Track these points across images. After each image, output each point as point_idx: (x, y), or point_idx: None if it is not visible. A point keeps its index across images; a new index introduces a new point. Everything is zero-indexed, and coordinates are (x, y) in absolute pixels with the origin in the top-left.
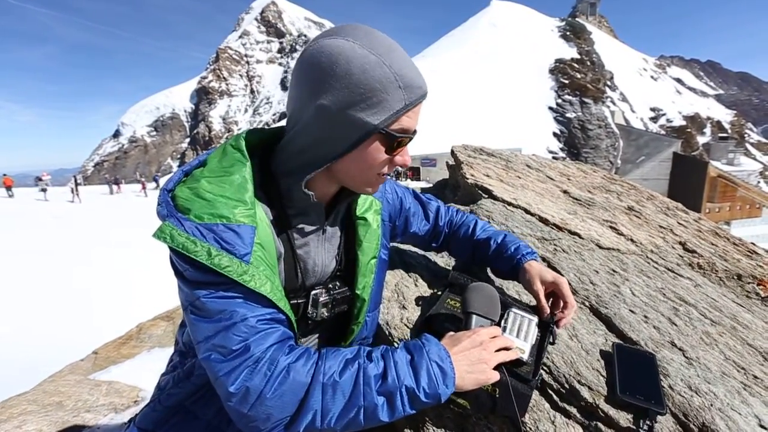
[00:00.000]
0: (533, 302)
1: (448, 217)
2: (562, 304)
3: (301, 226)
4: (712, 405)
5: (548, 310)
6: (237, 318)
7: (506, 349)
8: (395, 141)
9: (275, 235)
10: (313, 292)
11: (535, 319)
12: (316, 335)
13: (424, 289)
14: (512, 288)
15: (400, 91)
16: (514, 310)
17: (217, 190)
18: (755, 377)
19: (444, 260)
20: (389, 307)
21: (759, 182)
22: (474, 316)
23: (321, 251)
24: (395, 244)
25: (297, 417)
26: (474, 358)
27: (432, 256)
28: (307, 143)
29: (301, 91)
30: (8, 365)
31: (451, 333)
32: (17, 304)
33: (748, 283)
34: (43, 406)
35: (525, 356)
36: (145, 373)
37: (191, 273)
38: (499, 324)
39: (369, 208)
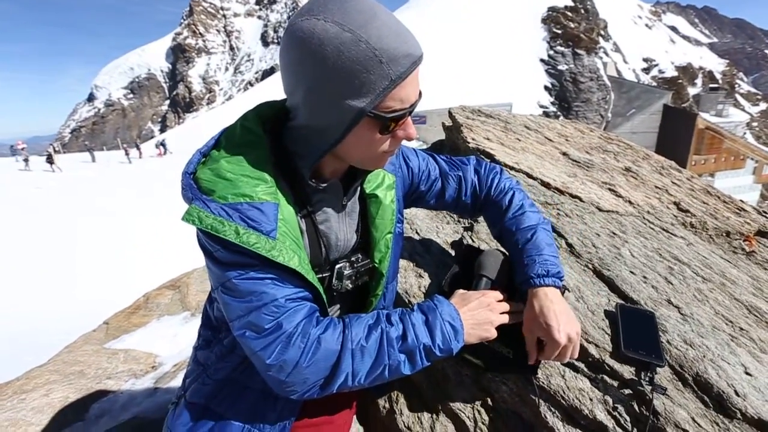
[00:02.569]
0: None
1: (472, 188)
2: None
3: (320, 202)
4: (704, 356)
5: (534, 357)
6: (267, 299)
7: (514, 312)
8: (388, 121)
9: (297, 212)
10: (338, 265)
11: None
12: (338, 306)
13: (438, 258)
14: None
15: (383, 67)
16: None
17: (237, 170)
18: (741, 329)
19: (452, 227)
20: (407, 276)
21: (745, 133)
22: (484, 279)
23: (343, 226)
24: (408, 214)
25: (331, 379)
26: (481, 318)
27: (442, 224)
28: (305, 130)
29: (287, 77)
30: (15, 340)
31: (462, 291)
32: (12, 278)
33: (736, 239)
34: (65, 375)
35: None
36: (158, 340)
37: (222, 254)
38: (512, 297)
39: (380, 184)
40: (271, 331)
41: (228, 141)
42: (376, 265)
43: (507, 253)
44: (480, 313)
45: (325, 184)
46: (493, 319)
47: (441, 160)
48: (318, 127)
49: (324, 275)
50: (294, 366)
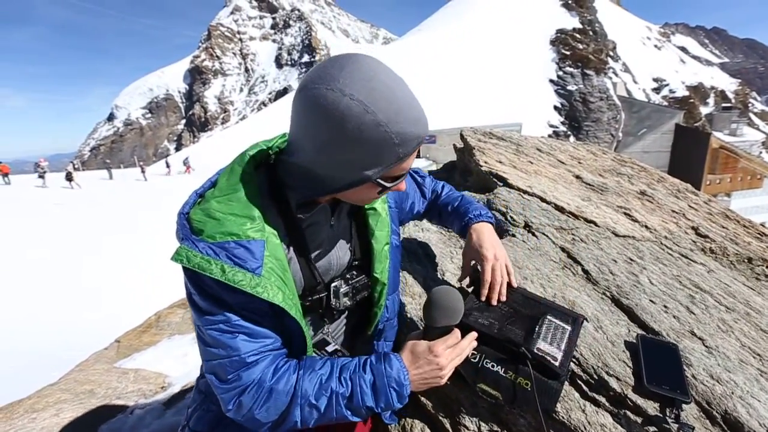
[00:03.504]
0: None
1: (434, 191)
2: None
3: (311, 226)
4: (733, 393)
5: (465, 279)
6: (232, 353)
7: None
8: (388, 187)
9: (288, 241)
10: (333, 284)
11: (570, 328)
12: (344, 321)
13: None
14: (548, 291)
15: (395, 147)
16: (549, 317)
17: (225, 209)
18: None
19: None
20: (421, 302)
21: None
22: (434, 329)
23: (335, 246)
24: (422, 238)
25: (281, 423)
26: (429, 376)
27: (455, 248)
28: (303, 170)
29: (299, 128)
30: (26, 355)
31: (413, 343)
32: (27, 294)
33: (758, 265)
34: (76, 394)
35: (557, 363)
36: (168, 360)
37: (199, 299)
38: (533, 331)
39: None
40: (232, 381)
41: (221, 181)
42: (378, 276)
43: (453, 288)
44: (429, 373)
45: (309, 214)
46: (441, 374)
47: (411, 172)
48: (319, 175)
49: (321, 296)
50: (248, 410)
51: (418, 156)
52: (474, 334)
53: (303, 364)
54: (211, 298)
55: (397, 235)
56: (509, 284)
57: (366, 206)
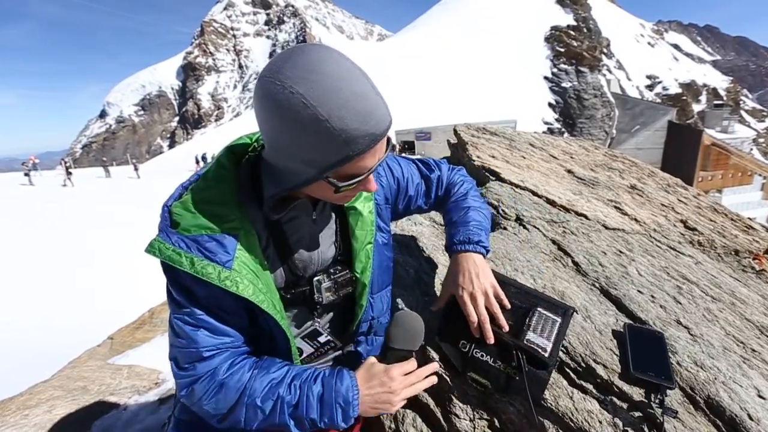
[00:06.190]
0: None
1: (443, 185)
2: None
3: (291, 222)
4: (716, 379)
5: (438, 306)
6: (192, 345)
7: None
8: (342, 188)
9: (267, 235)
10: (315, 278)
11: (559, 319)
12: (330, 315)
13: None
14: (539, 282)
15: (341, 145)
16: (539, 309)
17: (202, 203)
18: (753, 350)
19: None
20: (414, 295)
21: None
22: (392, 351)
23: (315, 241)
24: (414, 232)
25: (227, 417)
26: (381, 399)
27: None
28: (271, 166)
29: (256, 117)
30: (20, 353)
31: (372, 363)
32: (19, 291)
33: (745, 258)
34: (69, 391)
35: (547, 354)
36: (162, 356)
37: (171, 288)
38: (523, 322)
39: (358, 197)
40: (187, 369)
41: (204, 176)
42: (358, 275)
43: (418, 315)
44: (380, 395)
45: (284, 212)
46: (393, 400)
47: (420, 165)
48: (280, 170)
49: (304, 289)
50: (198, 399)
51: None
52: (434, 366)
53: (259, 364)
54: (181, 290)
55: (385, 233)
56: (500, 281)
57: (346, 205)
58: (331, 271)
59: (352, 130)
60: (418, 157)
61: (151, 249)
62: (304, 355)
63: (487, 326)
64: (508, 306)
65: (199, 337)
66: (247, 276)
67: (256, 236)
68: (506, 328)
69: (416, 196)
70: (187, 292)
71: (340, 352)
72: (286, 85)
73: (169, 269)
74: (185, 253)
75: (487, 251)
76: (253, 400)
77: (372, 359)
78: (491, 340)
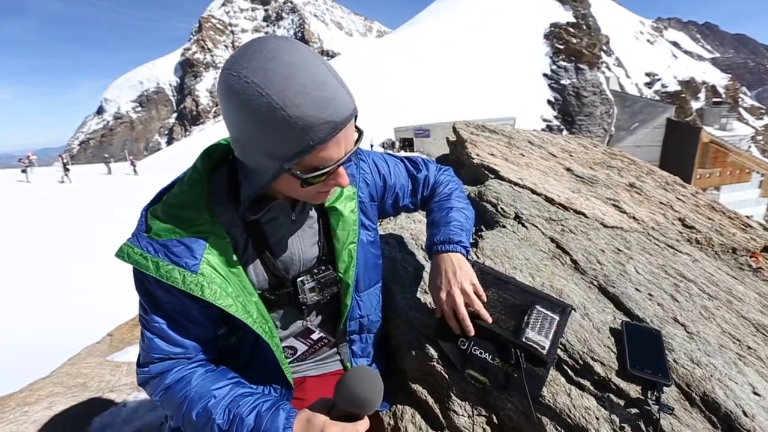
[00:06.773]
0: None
1: (430, 187)
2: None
3: (270, 223)
4: (711, 376)
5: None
6: (147, 347)
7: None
8: (307, 180)
9: (247, 237)
10: (299, 279)
11: (558, 317)
12: (318, 315)
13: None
14: (537, 280)
15: (299, 134)
16: (538, 307)
17: (174, 208)
18: (749, 348)
19: None
20: (412, 291)
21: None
22: (336, 407)
23: (297, 241)
24: (413, 230)
25: (175, 419)
26: None
27: None
28: (245, 167)
29: (222, 115)
30: (19, 350)
31: (309, 416)
32: (18, 289)
33: (742, 256)
34: (68, 387)
35: (545, 351)
36: None
37: (138, 292)
38: (522, 320)
39: (339, 196)
40: (143, 367)
41: (180, 180)
42: (341, 275)
43: (376, 376)
44: None
45: (260, 213)
46: None
47: (408, 164)
48: (249, 167)
49: (288, 290)
50: (152, 395)
51: (412, 149)
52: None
53: (209, 375)
54: (146, 294)
55: (371, 231)
56: (499, 279)
57: (326, 205)
58: (315, 271)
59: (309, 117)
60: (408, 155)
61: (120, 254)
62: (299, 352)
63: (467, 322)
64: (485, 299)
65: (154, 342)
66: (215, 280)
67: (228, 240)
68: (489, 320)
69: (403, 195)
70: (150, 297)
71: (334, 349)
72: (241, 75)
73: (136, 273)
74: (152, 257)
75: (467, 251)
76: (189, 413)
77: (322, 406)
78: (472, 332)
